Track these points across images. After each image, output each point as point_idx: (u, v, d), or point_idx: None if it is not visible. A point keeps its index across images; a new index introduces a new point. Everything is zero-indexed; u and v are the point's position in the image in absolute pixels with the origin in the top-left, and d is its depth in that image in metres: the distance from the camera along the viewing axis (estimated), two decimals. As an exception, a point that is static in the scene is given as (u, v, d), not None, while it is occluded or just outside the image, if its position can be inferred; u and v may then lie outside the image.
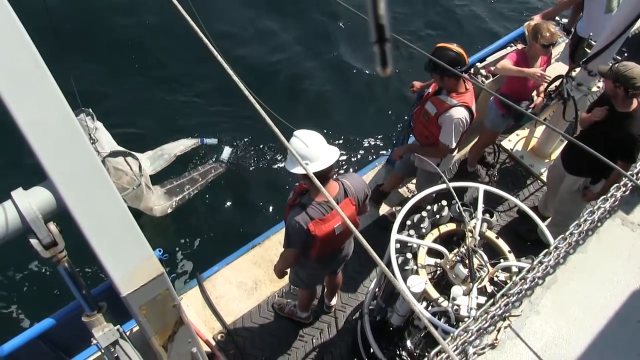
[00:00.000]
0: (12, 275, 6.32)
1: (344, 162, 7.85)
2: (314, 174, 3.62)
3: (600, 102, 5.02)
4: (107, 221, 2.37)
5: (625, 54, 6.89)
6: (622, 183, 2.22)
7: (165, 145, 7.55)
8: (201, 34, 2.02)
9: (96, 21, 9.23)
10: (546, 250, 2.05)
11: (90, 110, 6.49)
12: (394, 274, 3.57)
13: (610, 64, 4.79)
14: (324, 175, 3.71)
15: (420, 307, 3.60)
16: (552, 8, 6.84)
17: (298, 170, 3.67)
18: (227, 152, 7.72)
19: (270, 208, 7.32)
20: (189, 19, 2.13)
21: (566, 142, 5.90)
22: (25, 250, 2.25)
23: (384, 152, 7.68)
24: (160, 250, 3.38)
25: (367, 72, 9.15)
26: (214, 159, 7.69)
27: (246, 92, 1.91)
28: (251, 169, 7.67)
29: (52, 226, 2.27)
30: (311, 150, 3.62)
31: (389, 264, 3.67)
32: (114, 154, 6.53)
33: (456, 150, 5.14)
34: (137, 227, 2.46)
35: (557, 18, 7.32)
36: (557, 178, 5.62)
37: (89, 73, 8.21)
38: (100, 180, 2.30)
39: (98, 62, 8.62)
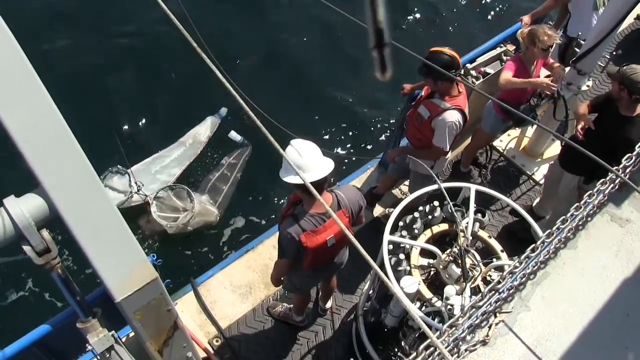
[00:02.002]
0: (4, 282, 6.31)
1: (336, 165, 7.83)
2: (302, 184, 3.64)
3: (606, 102, 5.02)
4: (100, 227, 2.38)
5: (614, 54, 6.94)
6: (608, 179, 2.25)
7: (191, 131, 7.77)
8: (196, 46, 2.03)
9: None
10: (533, 245, 2.08)
11: (119, 167, 6.97)
12: (387, 275, 3.59)
13: (618, 66, 4.76)
14: (317, 187, 3.68)
15: (412, 306, 3.62)
16: (540, 7, 6.88)
17: (290, 179, 3.67)
18: (235, 134, 7.84)
19: (264, 212, 7.32)
20: (181, 28, 2.14)
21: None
22: (18, 256, 2.25)
23: (377, 154, 7.69)
24: (153, 255, 3.38)
25: (358, 74, 9.16)
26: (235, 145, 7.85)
27: (241, 102, 1.92)
28: (244, 173, 7.67)
29: (45, 233, 2.27)
30: (304, 160, 3.62)
31: (382, 265, 3.68)
32: (170, 188, 6.91)
33: (450, 153, 5.16)
34: (130, 233, 2.46)
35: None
36: (555, 176, 5.63)
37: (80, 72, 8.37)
38: (92, 186, 2.30)
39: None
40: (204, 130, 7.79)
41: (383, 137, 8.35)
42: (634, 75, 4.50)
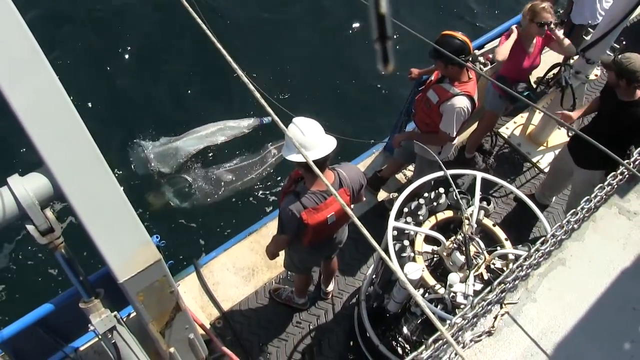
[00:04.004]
0: (8, 261, 6.32)
1: (341, 149, 7.80)
2: (305, 162, 3.64)
3: (606, 91, 5.00)
4: (104, 207, 2.37)
5: (624, 42, 6.87)
6: (619, 172, 2.22)
7: (221, 122, 7.78)
8: (205, 27, 2.01)
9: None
10: (543, 238, 2.06)
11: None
12: (391, 261, 3.58)
13: (613, 55, 4.75)
14: (320, 165, 3.68)
15: (418, 295, 3.61)
16: None
17: (293, 157, 3.67)
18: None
19: (268, 195, 7.31)
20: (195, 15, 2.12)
21: (572, 134, 5.83)
22: (21, 236, 2.25)
23: (382, 138, 7.66)
24: (157, 237, 3.38)
25: (366, 57, 9.10)
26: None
27: (246, 80, 1.90)
28: (248, 155, 7.66)
29: (49, 212, 2.27)
30: (307, 138, 3.61)
31: (386, 251, 3.67)
32: None
33: (456, 139, 5.13)
34: (134, 214, 2.46)
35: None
36: (566, 170, 5.58)
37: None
38: (97, 166, 2.29)
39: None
40: (235, 125, 7.81)
41: (389, 121, 8.32)
42: (630, 65, 4.49)
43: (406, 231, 3.85)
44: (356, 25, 9.54)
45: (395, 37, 8.81)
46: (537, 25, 5.32)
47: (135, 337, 3.05)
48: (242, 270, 5.61)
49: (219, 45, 1.92)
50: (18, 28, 2.00)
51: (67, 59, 8.28)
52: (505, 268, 3.66)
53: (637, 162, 2.39)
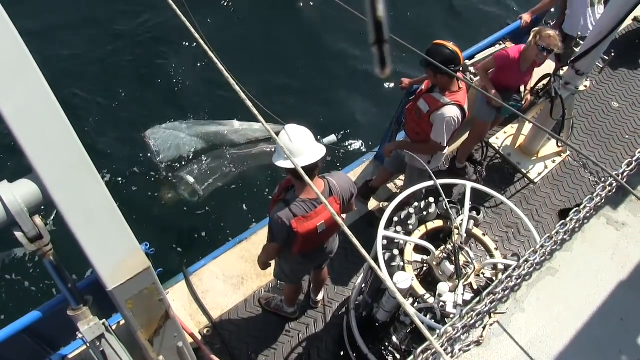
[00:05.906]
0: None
1: (332, 157, 7.83)
2: (294, 169, 3.65)
3: None
4: (94, 214, 2.36)
5: (613, 54, 6.93)
6: (607, 183, 2.24)
7: (254, 123, 7.93)
8: (192, 29, 2.02)
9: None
10: (532, 249, 2.07)
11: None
12: (381, 270, 3.58)
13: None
14: (308, 172, 3.67)
15: (408, 304, 3.61)
16: (540, 5, 6.88)
17: (281, 163, 3.68)
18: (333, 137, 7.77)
19: (257, 203, 7.31)
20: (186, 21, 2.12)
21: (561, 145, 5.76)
22: (9, 243, 2.23)
23: (373, 148, 7.68)
24: (146, 244, 3.36)
25: (356, 67, 9.14)
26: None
27: (237, 87, 1.90)
28: (238, 163, 7.66)
29: (38, 219, 2.25)
30: (295, 145, 3.62)
31: (375, 260, 3.67)
32: None
33: (447, 148, 5.15)
34: (123, 221, 2.44)
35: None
36: None
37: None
38: (86, 172, 2.28)
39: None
40: (257, 127, 7.91)
41: (379, 131, 8.34)
42: None
43: (396, 240, 3.85)
44: (348, 34, 9.58)
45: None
46: (538, 49, 5.33)
47: (123, 345, 3.02)
48: (231, 278, 5.59)
49: (212, 54, 1.93)
50: (6, 30, 1.99)
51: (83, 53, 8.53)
52: (494, 277, 3.68)
53: (625, 174, 2.41)
